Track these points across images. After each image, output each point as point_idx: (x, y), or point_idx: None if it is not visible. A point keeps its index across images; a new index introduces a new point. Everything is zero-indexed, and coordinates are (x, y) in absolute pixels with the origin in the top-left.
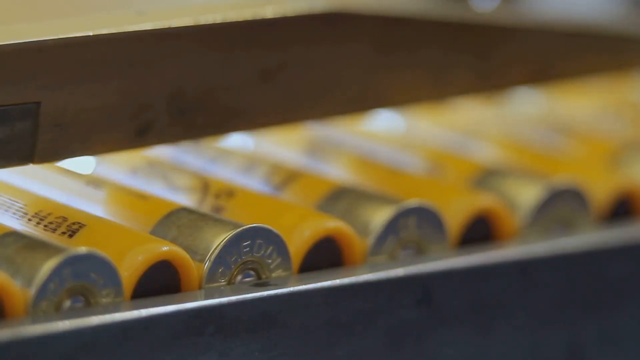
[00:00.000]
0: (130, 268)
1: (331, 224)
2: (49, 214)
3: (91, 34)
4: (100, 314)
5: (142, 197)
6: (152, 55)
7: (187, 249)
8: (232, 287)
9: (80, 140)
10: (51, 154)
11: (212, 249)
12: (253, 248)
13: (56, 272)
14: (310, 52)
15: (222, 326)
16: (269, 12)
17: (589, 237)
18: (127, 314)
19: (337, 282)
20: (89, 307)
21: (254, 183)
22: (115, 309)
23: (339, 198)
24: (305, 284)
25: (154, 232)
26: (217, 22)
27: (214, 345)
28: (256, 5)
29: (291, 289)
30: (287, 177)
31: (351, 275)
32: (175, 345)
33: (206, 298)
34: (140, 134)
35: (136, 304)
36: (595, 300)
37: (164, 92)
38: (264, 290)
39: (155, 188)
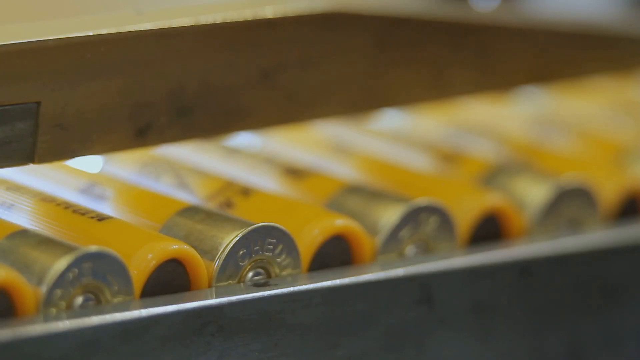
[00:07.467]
0: (140, 266)
1: (341, 223)
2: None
3: (91, 34)
4: (100, 314)
5: (151, 195)
6: (152, 55)
7: (197, 247)
8: (232, 287)
9: (80, 140)
10: (51, 154)
11: (222, 248)
12: (263, 247)
13: (67, 271)
14: (310, 52)
15: (222, 326)
16: (269, 12)
17: (589, 237)
18: (127, 314)
19: (337, 282)
20: (99, 305)
21: (263, 182)
22: (115, 309)
23: (349, 197)
24: (305, 284)
25: (163, 231)
26: (217, 22)
27: (214, 345)
28: (256, 5)
29: (291, 289)
30: (297, 176)
31: (351, 275)
32: (175, 345)
33: (206, 298)
34: (140, 134)
35: (136, 304)
36: (595, 300)
37: (164, 92)
38: (264, 290)
39: (166, 186)
